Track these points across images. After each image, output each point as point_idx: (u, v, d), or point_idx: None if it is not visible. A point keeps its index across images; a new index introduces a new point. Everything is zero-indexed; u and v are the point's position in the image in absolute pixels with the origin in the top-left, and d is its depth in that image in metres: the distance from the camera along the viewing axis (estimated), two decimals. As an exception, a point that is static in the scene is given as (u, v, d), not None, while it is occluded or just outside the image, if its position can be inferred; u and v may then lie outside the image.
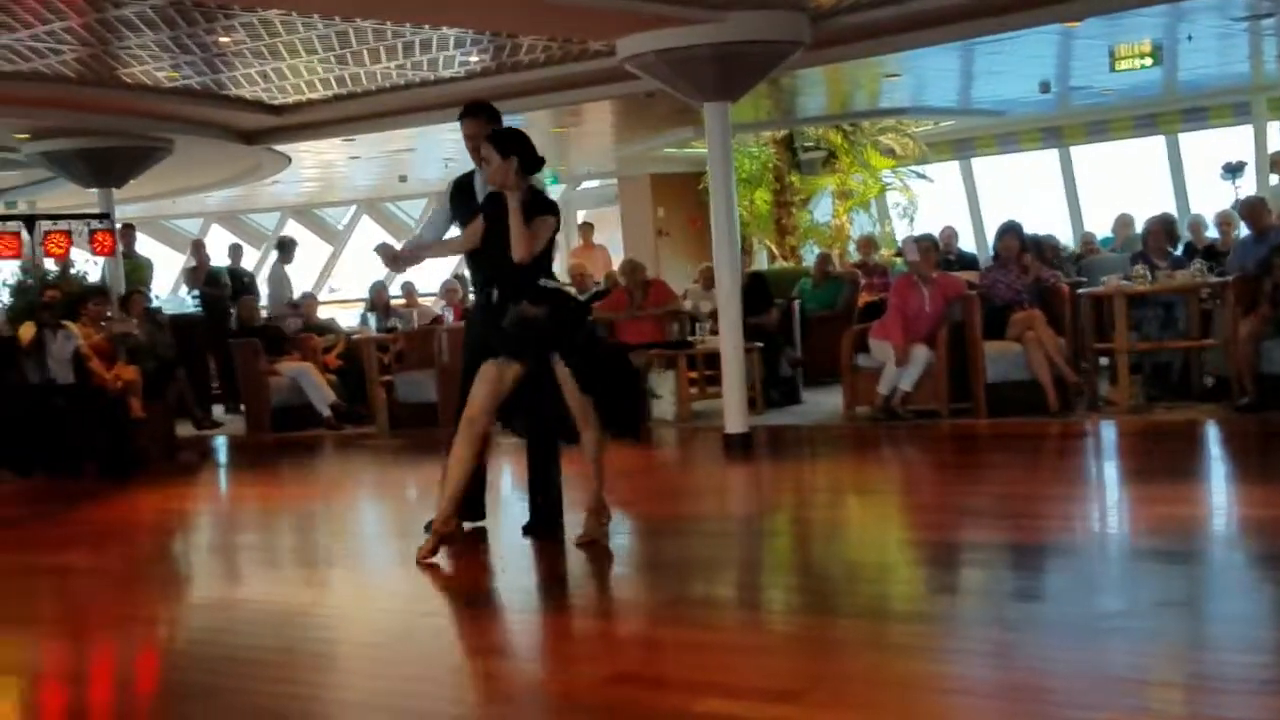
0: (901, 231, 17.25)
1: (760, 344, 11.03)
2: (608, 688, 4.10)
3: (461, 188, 6.58)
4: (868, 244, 15.04)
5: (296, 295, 14.12)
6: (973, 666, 4.19)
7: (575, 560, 6.29)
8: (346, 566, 6.40)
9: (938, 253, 10.76)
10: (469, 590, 5.76)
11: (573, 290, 5.97)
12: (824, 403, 11.26)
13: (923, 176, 18.22)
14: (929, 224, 16.38)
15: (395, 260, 6.50)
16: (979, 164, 19.33)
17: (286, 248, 14.89)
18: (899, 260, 13.33)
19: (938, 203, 18.50)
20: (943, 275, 10.36)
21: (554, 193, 21.71)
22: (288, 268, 14.76)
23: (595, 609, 5.28)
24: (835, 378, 10.86)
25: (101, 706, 4.36)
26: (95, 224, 11.20)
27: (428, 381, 11.43)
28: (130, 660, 5.08)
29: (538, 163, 5.94)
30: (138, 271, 13.32)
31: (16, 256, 10.71)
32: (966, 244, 16.14)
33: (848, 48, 10.45)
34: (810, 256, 16.57)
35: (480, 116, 6.40)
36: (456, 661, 4.68)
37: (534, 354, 5.87)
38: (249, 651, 4.92)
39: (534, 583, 5.91)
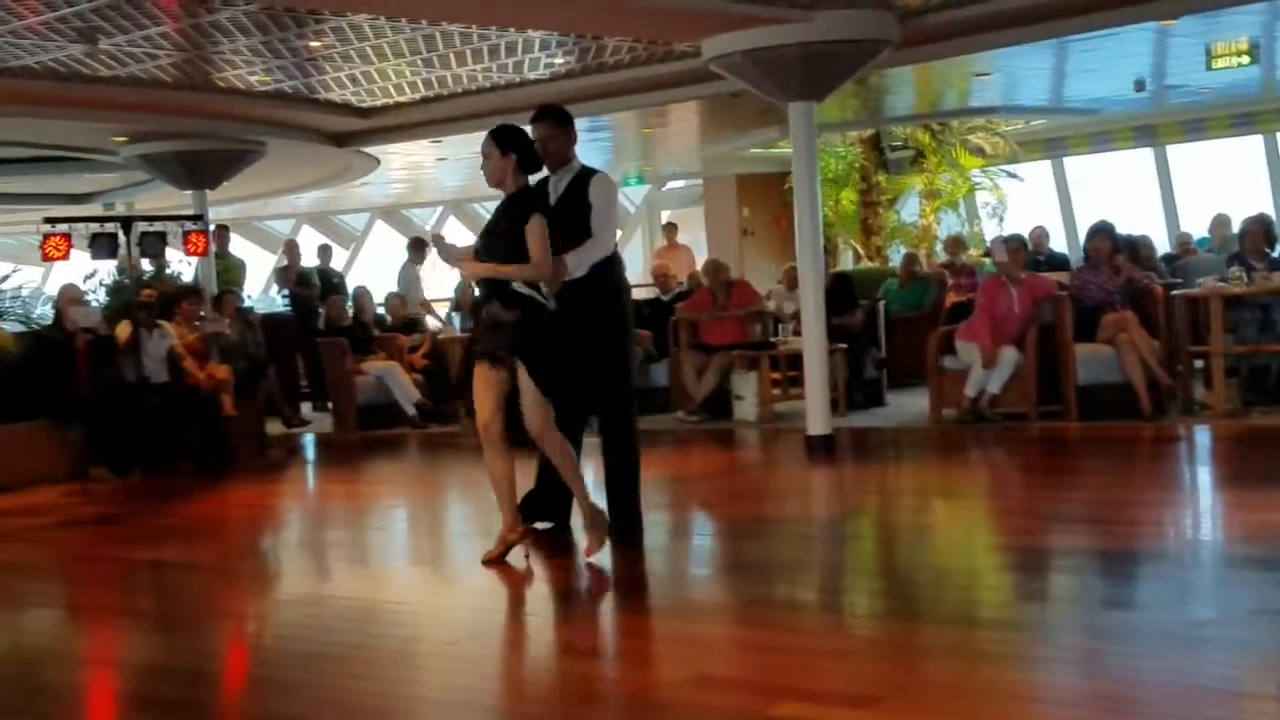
0: (990, 232, 17.02)
1: (844, 345, 10.96)
2: (685, 690, 4.08)
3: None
4: (955, 244, 14.86)
5: (401, 290, 14.14)
6: (1060, 675, 4.12)
7: (656, 561, 6.30)
8: (430, 564, 6.46)
9: (1027, 253, 10.62)
10: (550, 590, 5.77)
11: (545, 297, 5.92)
12: (909, 405, 11.15)
13: (1013, 176, 17.96)
14: (1019, 224, 16.17)
15: (450, 257, 6.50)
16: (1071, 163, 19.01)
17: (418, 247, 14.81)
18: (987, 261, 13.17)
19: (1028, 202, 18.24)
20: (1031, 276, 10.21)
21: (638, 194, 21.83)
22: (419, 268, 14.80)
23: (675, 610, 5.27)
24: (921, 380, 10.76)
25: (190, 699, 4.43)
26: (189, 225, 11.40)
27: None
28: (219, 654, 5.17)
29: (535, 162, 5.95)
30: (230, 272, 13.55)
31: (64, 258, 10.91)
32: (1058, 244, 15.89)
33: (936, 46, 10.34)
34: (896, 257, 16.42)
35: (550, 119, 6.41)
36: (535, 661, 4.70)
37: (499, 355, 5.86)
38: (332, 647, 4.98)
39: (614, 583, 5.91)
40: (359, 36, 9.64)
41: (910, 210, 18.26)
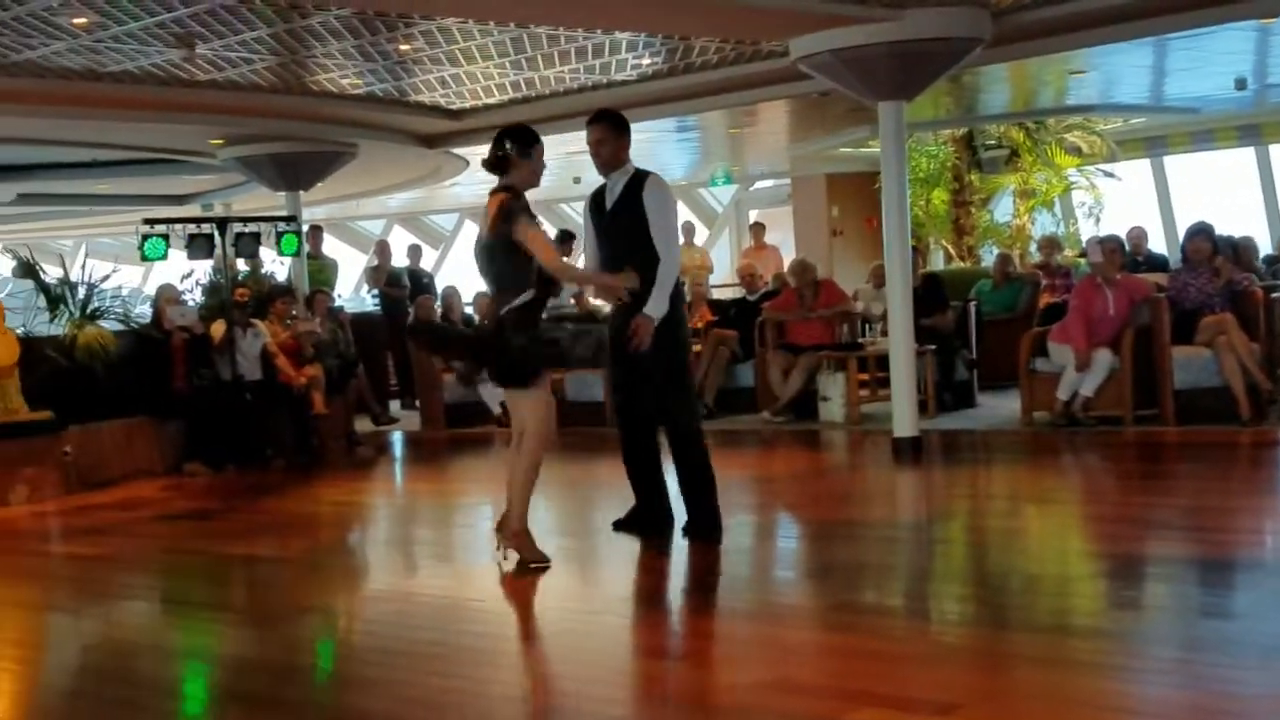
0: (1087, 232, 16.73)
1: (934, 346, 10.83)
2: (763, 692, 4.06)
3: (595, 200, 6.56)
4: (1050, 244, 14.61)
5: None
6: (1152, 686, 4.03)
7: (740, 563, 6.28)
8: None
9: (1123, 254, 10.41)
10: (632, 591, 5.77)
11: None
12: (1000, 407, 10.99)
13: (1110, 175, 17.63)
14: (1116, 224, 15.85)
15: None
16: (1171, 162, 18.62)
17: (565, 240, 14.80)
18: (1082, 261, 12.93)
19: (1126, 202, 17.89)
20: (1127, 277, 10.02)
21: (726, 193, 21.79)
22: (568, 260, 14.78)
23: (758, 613, 5.24)
24: (1012, 382, 10.60)
25: (278, 694, 4.50)
26: (282, 225, 11.58)
27: (596, 381, 11.52)
28: (307, 649, 5.24)
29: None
30: (322, 272, 13.75)
31: (162, 258, 11.07)
32: (1157, 245, 15.56)
33: (1031, 44, 10.16)
34: (989, 257, 16.20)
35: (607, 123, 6.45)
36: (614, 661, 4.69)
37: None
38: (416, 644, 5.04)
39: (697, 585, 5.89)
40: (448, 39, 9.72)
41: (1004, 210, 18.01)
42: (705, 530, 6.41)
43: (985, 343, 11.75)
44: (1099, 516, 7.12)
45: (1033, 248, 16.16)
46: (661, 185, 6.40)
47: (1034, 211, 17.39)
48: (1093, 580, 5.69)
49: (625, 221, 6.26)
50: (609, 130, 6.43)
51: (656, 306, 6.17)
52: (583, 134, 14.24)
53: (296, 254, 11.95)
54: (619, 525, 6.59)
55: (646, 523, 6.54)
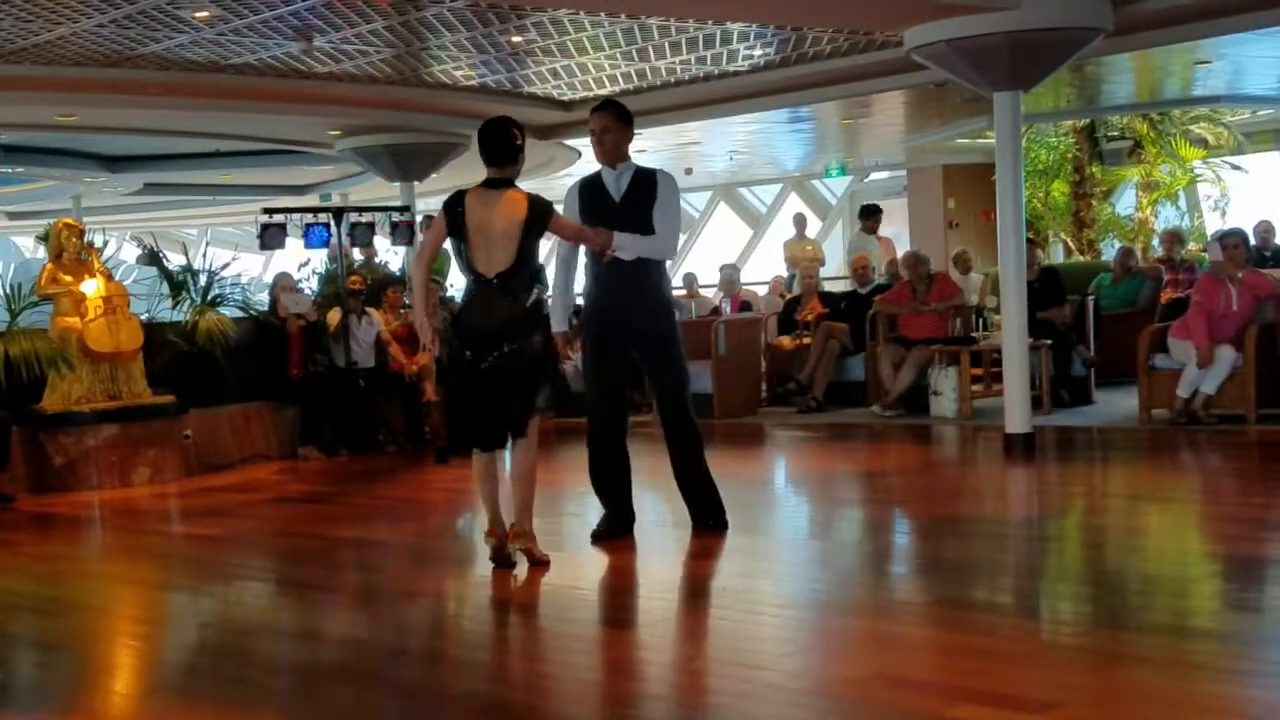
0: (1212, 225, 16.30)
1: (1049, 341, 10.63)
2: (861, 687, 4.03)
3: (591, 192, 6.48)
4: (1173, 238, 14.24)
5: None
6: (1265, 690, 3.91)
7: (849, 558, 6.24)
8: (619, 551, 6.49)
9: (1248, 249, 10.11)
10: (739, 583, 5.75)
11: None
12: (1118, 404, 10.75)
13: (1237, 168, 17.14)
14: (1243, 218, 15.40)
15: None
16: (1302, 154, 18.05)
17: (870, 215, 14.84)
18: (1207, 256, 12.59)
19: (1255, 195, 17.36)
20: (1251, 273, 9.73)
21: (839, 185, 21.61)
22: (872, 236, 14.72)
23: (863, 607, 5.20)
24: (1132, 379, 10.36)
25: (386, 675, 4.58)
26: (396, 215, 11.76)
27: (704, 372, 11.51)
28: (414, 632, 5.32)
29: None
30: (435, 262, 13.89)
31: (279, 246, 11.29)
32: (1286, 240, 15.08)
33: (1155, 34, 9.95)
34: (1109, 251, 15.85)
35: (614, 112, 6.42)
36: (716, 652, 4.68)
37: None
38: (519, 629, 5.09)
39: (802, 579, 5.86)
40: (560, 31, 9.78)
41: (1126, 203, 17.61)
42: (718, 517, 6.46)
43: (1105, 338, 11.51)
44: (1217, 516, 6.93)
45: (1155, 242, 15.78)
46: (675, 183, 6.47)
47: (1157, 204, 16.99)
48: (1209, 581, 5.54)
49: (634, 214, 6.23)
50: (615, 120, 6.38)
51: (631, 244, 6.19)
52: (694, 125, 14.28)
53: (410, 242, 12.08)
54: (598, 536, 6.47)
55: (620, 527, 6.51)
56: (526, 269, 5.82)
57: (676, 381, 6.48)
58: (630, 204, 6.29)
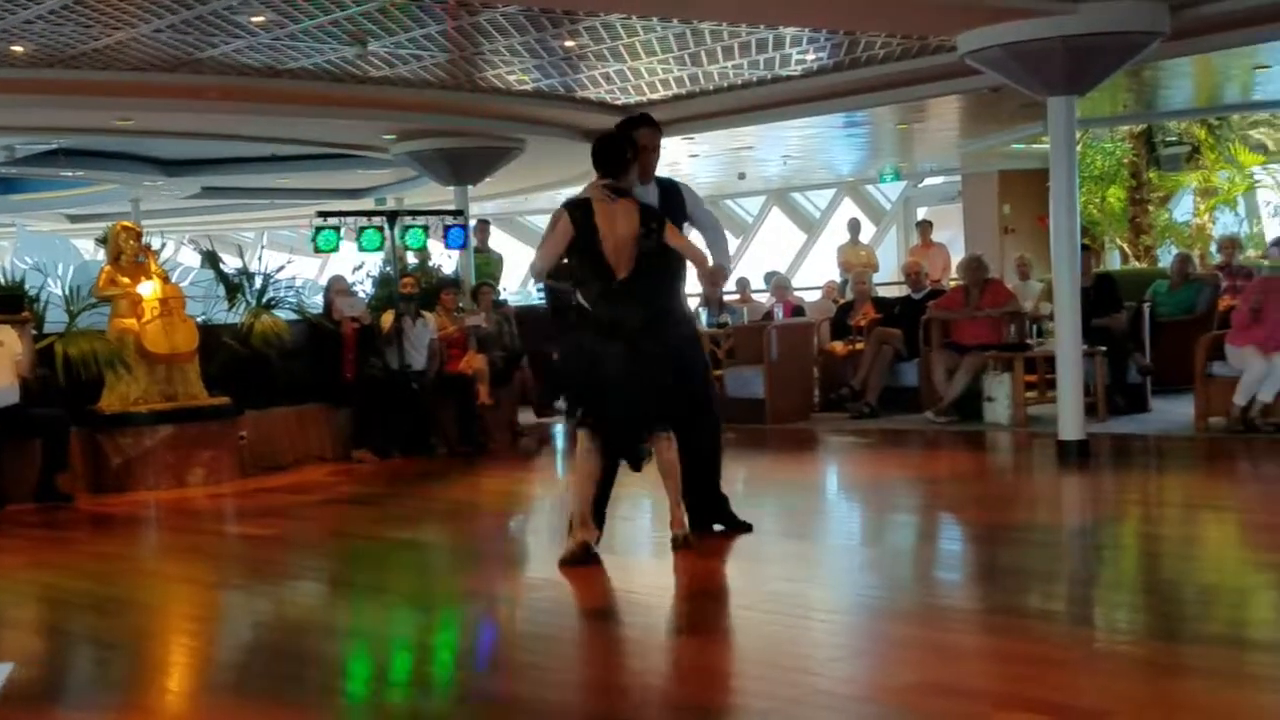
0: (1271, 231, 16.09)
1: (1104, 348, 10.53)
2: (909, 694, 4.01)
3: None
4: (1231, 245, 14.07)
5: None
6: (1321, 703, 3.86)
7: (901, 565, 6.22)
8: (670, 556, 6.50)
9: (1307, 255, 9.98)
10: (782, 589, 5.73)
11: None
12: (1174, 412, 10.62)
13: (1296, 174, 16.93)
14: (1303, 225, 15.22)
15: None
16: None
17: None
18: (1266, 262, 12.44)
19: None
20: (1310, 279, 9.59)
21: (894, 190, 21.51)
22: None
23: (912, 614, 5.17)
24: (1189, 386, 10.22)
25: (432, 675, 4.61)
26: (449, 219, 11.83)
27: (756, 378, 11.50)
28: (463, 632, 5.35)
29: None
30: (488, 265, 13.98)
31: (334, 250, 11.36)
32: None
33: (1213, 38, 9.84)
34: (1167, 257, 15.68)
35: (657, 129, 6.40)
36: (767, 656, 4.67)
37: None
38: (566, 631, 5.13)
39: (853, 584, 5.84)
40: (614, 35, 9.81)
41: (1184, 209, 17.43)
42: (725, 515, 6.50)
43: (1163, 345, 11.37)
44: (1274, 526, 6.82)
45: (1213, 248, 15.59)
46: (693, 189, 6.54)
47: (1215, 210, 16.81)
48: (1265, 592, 5.46)
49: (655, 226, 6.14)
50: (658, 135, 6.38)
51: (728, 260, 6.45)
52: (748, 129, 14.23)
53: (423, 248, 12.11)
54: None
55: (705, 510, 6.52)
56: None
57: (710, 393, 6.64)
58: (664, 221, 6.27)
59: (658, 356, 5.94)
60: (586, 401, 6.02)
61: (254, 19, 8.87)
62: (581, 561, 5.96)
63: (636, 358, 5.89)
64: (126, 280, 9.76)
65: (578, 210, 5.94)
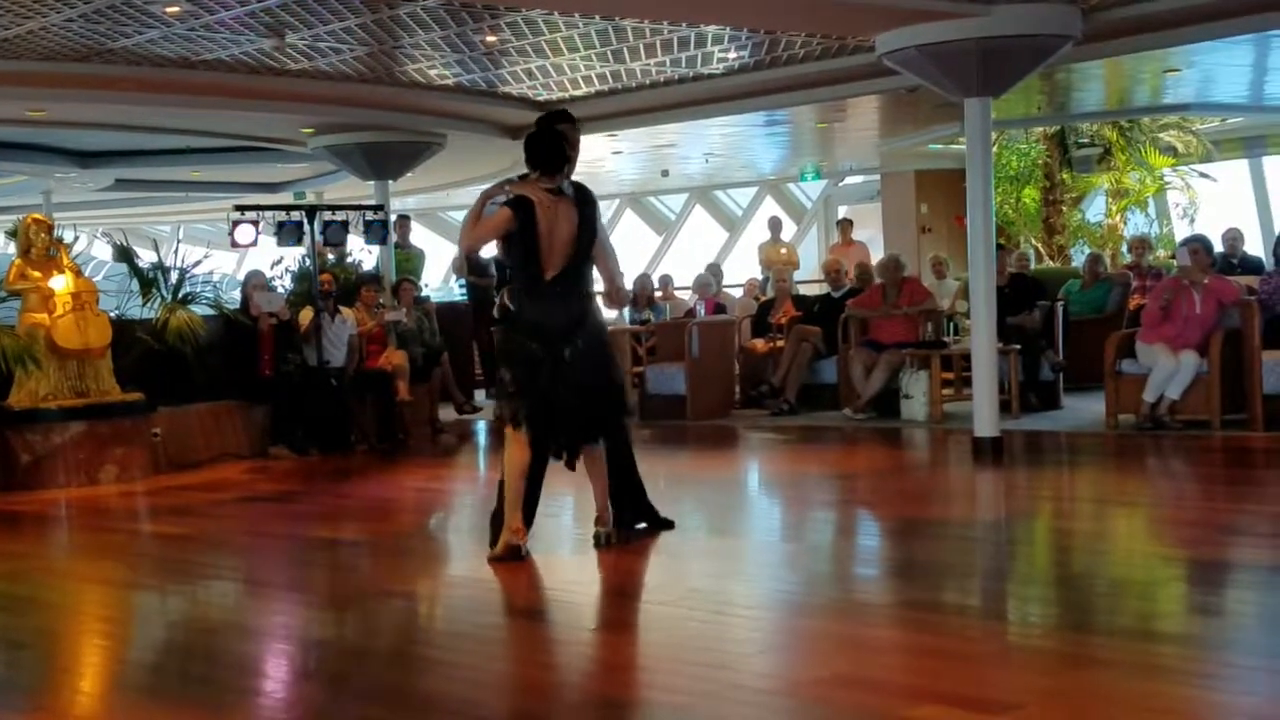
0: (1181, 233, 16.42)
1: (1018, 346, 10.70)
2: (820, 688, 4.06)
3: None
4: (1141, 245, 14.36)
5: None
6: (1230, 694, 3.95)
7: (818, 560, 6.27)
8: (588, 553, 6.51)
9: (1211, 255, 10.20)
10: (708, 584, 5.76)
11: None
12: (1085, 409, 10.83)
13: (1206, 176, 17.28)
14: (1212, 226, 15.54)
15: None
16: (1270, 163, 18.19)
17: None
18: (1175, 263, 12.69)
19: (1223, 204, 17.51)
20: (1215, 279, 9.81)
21: (814, 189, 21.68)
22: None
23: (830, 609, 5.22)
24: (1101, 384, 10.42)
25: (353, 674, 4.58)
26: (369, 215, 11.74)
27: (678, 374, 11.54)
28: (382, 631, 5.31)
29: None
30: (409, 261, 13.89)
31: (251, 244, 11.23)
32: (1254, 247, 15.21)
33: (1124, 41, 10.01)
34: (1079, 257, 15.96)
35: (571, 122, 6.36)
36: (684, 653, 4.69)
37: None
38: (487, 629, 5.11)
39: (771, 580, 5.89)
40: (536, 31, 9.78)
41: (1096, 210, 17.74)
42: (658, 519, 6.52)
43: (1075, 344, 11.59)
44: (1182, 521, 6.98)
45: (1124, 248, 15.90)
46: None
47: (1127, 211, 17.12)
48: (1173, 585, 5.59)
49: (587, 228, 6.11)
50: (578, 135, 6.31)
51: (623, 281, 6.55)
52: (670, 127, 14.26)
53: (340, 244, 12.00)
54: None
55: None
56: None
57: (624, 401, 6.52)
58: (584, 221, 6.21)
59: (586, 357, 5.95)
60: (532, 414, 5.96)
61: (168, 9, 8.74)
62: (512, 558, 5.94)
63: (571, 363, 5.89)
64: (37, 274, 9.57)
65: (520, 209, 5.91)
